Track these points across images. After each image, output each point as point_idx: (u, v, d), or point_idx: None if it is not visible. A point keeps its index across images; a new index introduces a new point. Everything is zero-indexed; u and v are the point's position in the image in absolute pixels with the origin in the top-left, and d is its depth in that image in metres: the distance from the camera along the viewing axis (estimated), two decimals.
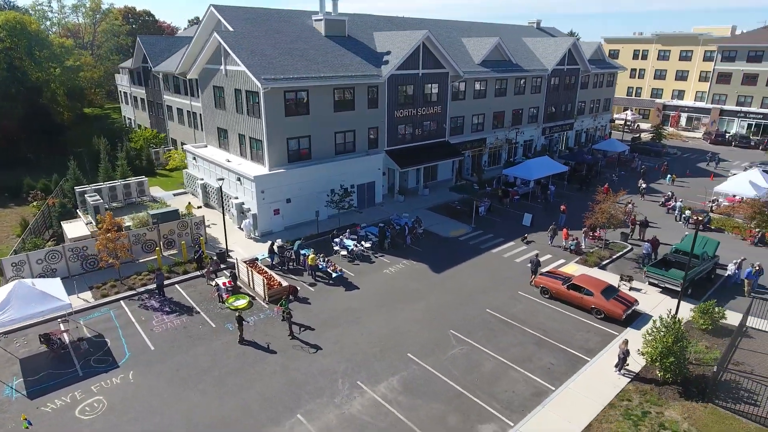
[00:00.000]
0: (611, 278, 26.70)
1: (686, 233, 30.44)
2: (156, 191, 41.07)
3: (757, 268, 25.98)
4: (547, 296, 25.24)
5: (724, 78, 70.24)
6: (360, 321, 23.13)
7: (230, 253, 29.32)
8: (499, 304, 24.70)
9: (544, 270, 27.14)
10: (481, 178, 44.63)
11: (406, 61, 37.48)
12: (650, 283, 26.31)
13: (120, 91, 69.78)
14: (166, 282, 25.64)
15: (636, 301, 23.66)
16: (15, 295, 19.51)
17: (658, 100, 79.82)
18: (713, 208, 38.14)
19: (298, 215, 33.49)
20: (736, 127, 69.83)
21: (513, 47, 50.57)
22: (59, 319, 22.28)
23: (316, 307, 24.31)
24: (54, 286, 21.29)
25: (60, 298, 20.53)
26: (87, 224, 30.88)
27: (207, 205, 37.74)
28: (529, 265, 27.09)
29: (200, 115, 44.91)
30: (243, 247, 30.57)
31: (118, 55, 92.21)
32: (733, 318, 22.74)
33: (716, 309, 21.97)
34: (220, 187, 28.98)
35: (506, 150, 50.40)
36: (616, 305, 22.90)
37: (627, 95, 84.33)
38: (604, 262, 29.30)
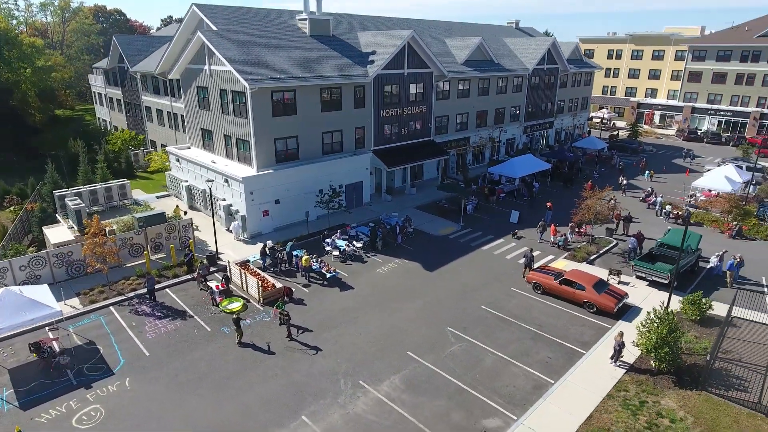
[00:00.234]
0: (600, 272, 27.29)
1: (669, 228, 31.31)
2: (137, 194, 40.20)
3: (738, 259, 26.91)
4: (539, 292, 25.64)
5: (694, 77, 72.52)
6: (357, 321, 23.09)
7: (220, 256, 28.89)
8: (493, 301, 24.98)
9: (535, 266, 27.55)
10: (466, 176, 45.02)
11: (392, 61, 37.56)
12: (638, 277, 26.99)
13: (94, 92, 67.90)
14: (156, 286, 25.09)
15: (626, 294, 24.25)
16: (3, 303, 18.83)
17: (632, 99, 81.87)
18: (691, 203, 39.32)
19: (288, 216, 33.21)
20: (707, 124, 72.17)
21: (494, 47, 51.18)
22: (47, 327, 21.60)
23: (312, 308, 24.17)
24: (42, 292, 20.61)
25: (49, 305, 19.89)
26: (69, 228, 30.02)
27: (192, 207, 37.08)
28: (523, 259, 27.52)
29: (182, 116, 44.11)
30: (232, 249, 30.16)
31: (89, 55, 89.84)
32: (718, 308, 23.52)
33: (703, 300, 22.69)
34: (210, 188, 28.50)
35: (489, 148, 50.98)
36: (608, 299, 23.42)
37: (602, 94, 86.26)
38: (591, 257, 29.93)
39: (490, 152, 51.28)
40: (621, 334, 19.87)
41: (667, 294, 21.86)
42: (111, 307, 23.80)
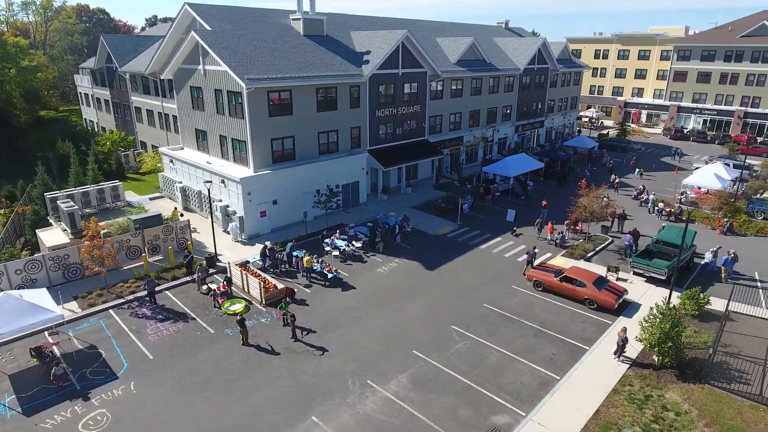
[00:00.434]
0: (597, 269, 27.62)
1: (663, 225, 31.79)
2: (130, 196, 39.59)
3: (732, 255, 27.45)
4: (540, 289, 25.87)
5: (680, 76, 73.79)
6: (360, 320, 23.08)
7: (219, 257, 28.65)
8: (494, 299, 25.15)
9: (534, 264, 27.79)
10: (461, 175, 45.24)
11: (386, 61, 37.58)
12: (635, 273, 27.38)
13: (80, 93, 66.76)
14: (156, 288, 24.78)
15: (626, 290, 24.59)
16: (3, 308, 18.45)
17: (619, 98, 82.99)
18: (682, 200, 39.99)
19: (285, 216, 33.05)
20: (693, 123, 73.45)
21: (485, 47, 51.48)
22: (47, 331, 21.22)
23: (315, 308, 24.09)
24: (42, 296, 20.26)
25: (50, 309, 19.56)
26: (63, 231, 29.51)
27: (187, 209, 36.68)
28: (526, 255, 27.80)
29: (173, 116, 43.65)
30: (230, 250, 29.91)
31: (73, 55, 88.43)
32: (714, 303, 23.97)
33: (701, 295, 23.12)
34: (209, 189, 28.25)
35: (482, 148, 51.28)
36: (608, 295, 23.73)
37: (590, 93, 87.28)
38: (589, 254, 30.29)
39: (482, 151, 51.59)
40: (624, 330, 20.15)
41: (664, 290, 22.29)
42: (111, 311, 23.47)
